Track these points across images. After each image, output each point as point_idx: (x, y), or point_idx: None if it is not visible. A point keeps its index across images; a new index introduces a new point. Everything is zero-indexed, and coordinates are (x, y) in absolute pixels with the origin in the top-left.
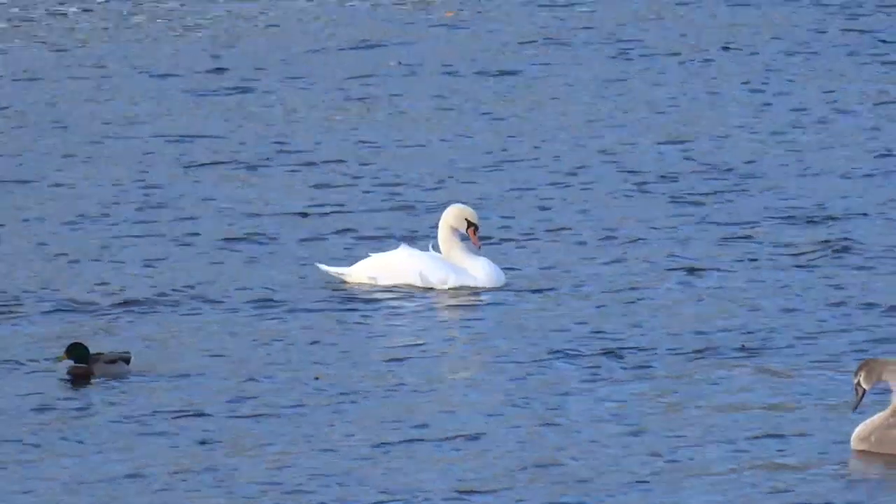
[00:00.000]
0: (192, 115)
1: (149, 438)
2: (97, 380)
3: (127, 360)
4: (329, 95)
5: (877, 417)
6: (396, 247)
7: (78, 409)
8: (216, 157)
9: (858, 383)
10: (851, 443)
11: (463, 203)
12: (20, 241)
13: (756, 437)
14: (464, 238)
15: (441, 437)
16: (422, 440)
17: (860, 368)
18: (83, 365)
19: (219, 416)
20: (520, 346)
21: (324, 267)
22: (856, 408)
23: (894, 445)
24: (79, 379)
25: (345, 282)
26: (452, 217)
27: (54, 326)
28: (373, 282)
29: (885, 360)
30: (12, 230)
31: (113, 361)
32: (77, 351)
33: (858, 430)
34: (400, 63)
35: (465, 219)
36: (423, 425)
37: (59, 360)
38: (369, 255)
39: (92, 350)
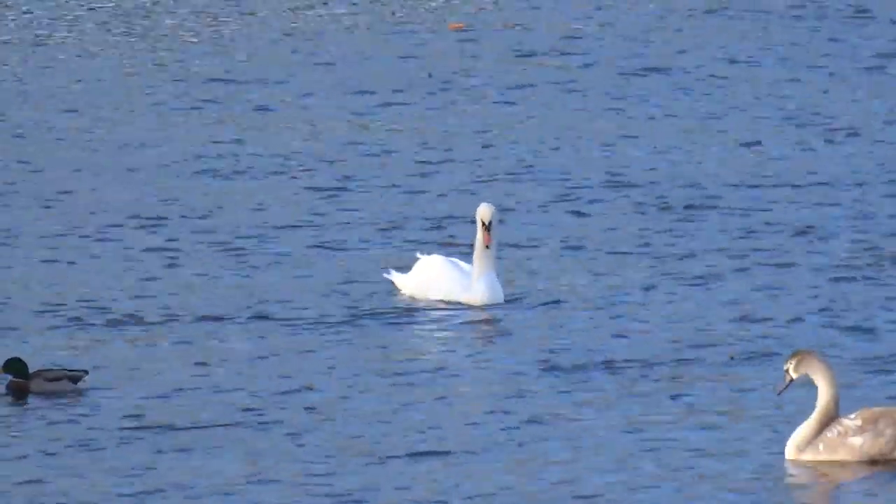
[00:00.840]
0: (215, 125)
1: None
2: (35, 396)
3: (75, 379)
4: (356, 105)
5: (808, 426)
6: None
7: None
8: (237, 166)
9: (787, 370)
10: (788, 453)
11: (489, 204)
12: (44, 254)
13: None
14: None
15: (443, 451)
16: (424, 454)
17: (792, 356)
18: (20, 380)
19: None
20: (519, 360)
21: (388, 275)
22: (780, 392)
23: (850, 451)
24: (16, 394)
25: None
26: (477, 215)
27: (77, 337)
28: (401, 292)
29: (815, 356)
30: (35, 244)
31: (56, 379)
32: (14, 366)
33: (795, 441)
34: (431, 75)
35: (480, 218)
36: (421, 440)
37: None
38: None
39: (67, 366)
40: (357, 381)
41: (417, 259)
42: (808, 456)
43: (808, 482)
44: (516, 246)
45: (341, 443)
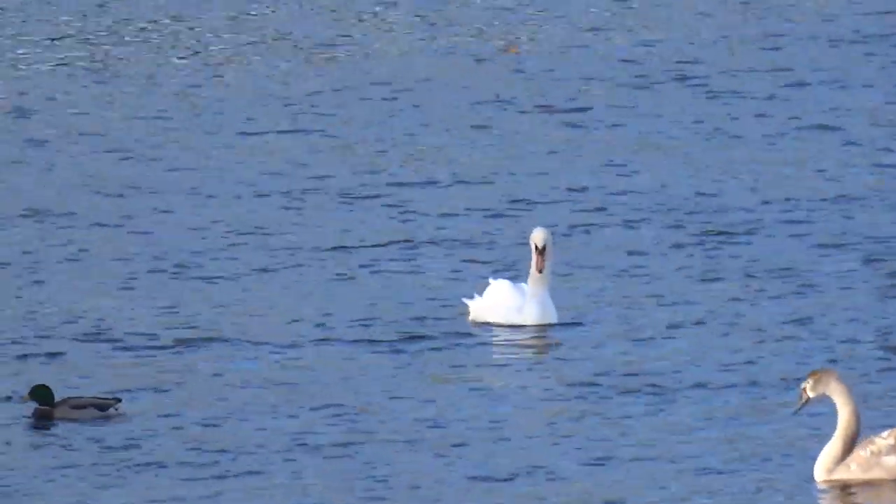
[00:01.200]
0: (283, 148)
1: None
2: (61, 423)
3: (103, 407)
4: (420, 128)
5: (833, 446)
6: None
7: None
8: (313, 186)
9: (805, 389)
10: (817, 475)
11: (543, 228)
12: (111, 276)
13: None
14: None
15: (501, 478)
16: (481, 478)
17: (810, 376)
18: (46, 407)
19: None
20: (570, 381)
21: (466, 300)
22: (797, 411)
23: (885, 470)
24: (40, 420)
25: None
26: (530, 239)
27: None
28: (470, 316)
29: (833, 376)
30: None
31: (82, 407)
32: (40, 393)
33: (824, 462)
34: (498, 96)
35: (533, 242)
36: (473, 463)
37: (23, 400)
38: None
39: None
40: (404, 403)
41: (488, 283)
42: (839, 476)
43: (842, 502)
44: (571, 266)
45: (392, 468)
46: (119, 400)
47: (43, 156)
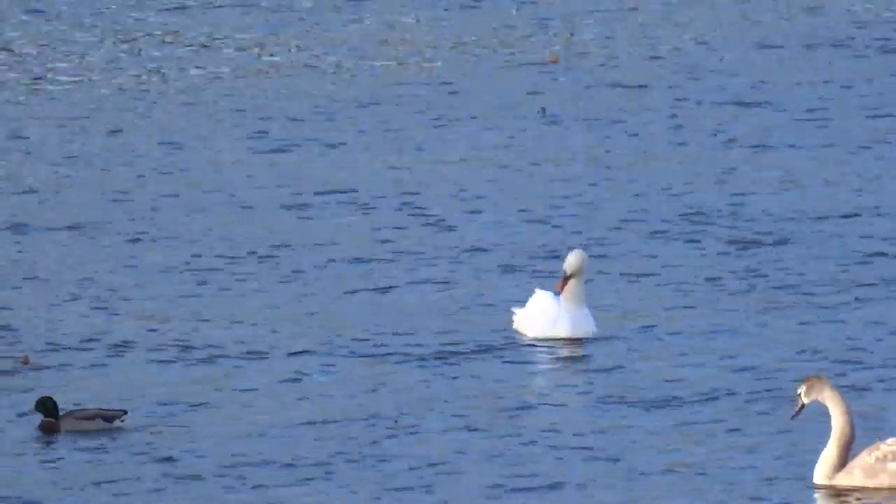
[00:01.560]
0: (316, 157)
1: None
2: (66, 435)
3: (109, 418)
4: (464, 136)
5: (830, 451)
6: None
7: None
8: (341, 198)
9: (799, 395)
10: (817, 478)
11: (579, 251)
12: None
13: None
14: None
15: (533, 487)
16: (518, 490)
17: (804, 381)
18: (51, 419)
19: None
20: (601, 393)
21: (512, 311)
22: (794, 417)
23: (891, 476)
24: (47, 433)
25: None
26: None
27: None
28: (513, 327)
29: (826, 383)
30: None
31: (88, 418)
32: (45, 405)
33: (823, 467)
34: (544, 109)
35: (564, 265)
36: (510, 475)
37: (29, 412)
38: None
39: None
40: (435, 416)
41: (534, 294)
42: (842, 481)
43: None
44: (599, 279)
45: (424, 480)
46: (125, 412)
47: (48, 169)
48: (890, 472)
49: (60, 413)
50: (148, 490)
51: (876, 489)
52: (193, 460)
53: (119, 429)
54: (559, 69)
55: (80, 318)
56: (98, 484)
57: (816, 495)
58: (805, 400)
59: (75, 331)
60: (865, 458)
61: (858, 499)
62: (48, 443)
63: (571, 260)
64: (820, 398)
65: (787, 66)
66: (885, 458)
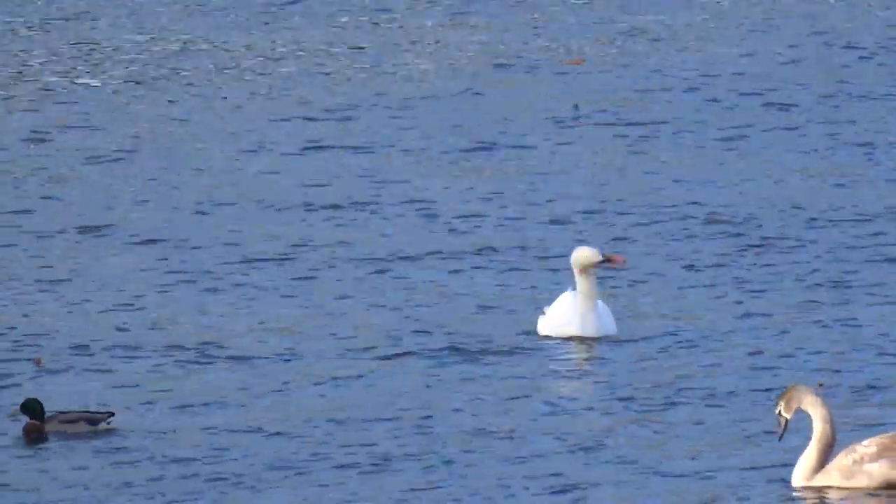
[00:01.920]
0: (349, 160)
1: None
2: (52, 437)
3: (94, 421)
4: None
5: (810, 453)
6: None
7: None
8: (371, 198)
9: (780, 413)
10: (794, 481)
11: (583, 247)
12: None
13: None
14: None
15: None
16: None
17: (780, 397)
18: (36, 422)
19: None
20: (610, 394)
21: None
22: (781, 437)
23: (867, 478)
24: (31, 435)
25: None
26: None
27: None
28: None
29: (802, 390)
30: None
31: (72, 421)
32: (31, 406)
33: (801, 469)
34: (577, 105)
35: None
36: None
37: (12, 414)
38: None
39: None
40: (455, 415)
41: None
42: (819, 482)
43: None
44: (619, 278)
45: (437, 480)
46: (112, 414)
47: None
48: (867, 473)
49: (46, 415)
50: (98, 494)
51: (853, 490)
52: (150, 463)
53: (104, 431)
54: (580, 70)
55: (89, 320)
56: (84, 487)
57: (795, 496)
58: (787, 415)
59: (84, 332)
60: (843, 461)
61: (836, 500)
62: (33, 446)
63: (574, 257)
64: (801, 406)
65: (813, 66)
66: (861, 461)
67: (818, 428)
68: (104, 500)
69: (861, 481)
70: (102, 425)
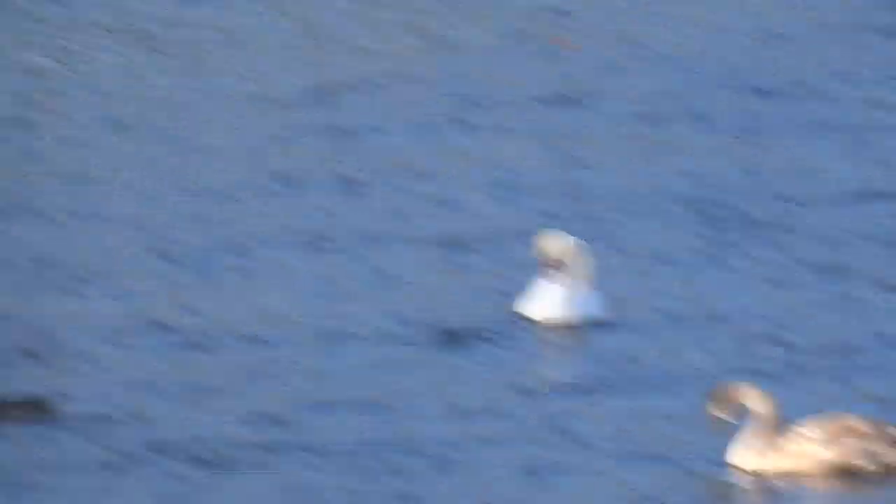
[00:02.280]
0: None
1: None
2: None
3: (42, 407)
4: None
5: (749, 432)
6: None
7: None
8: (346, 181)
9: (714, 413)
10: (732, 459)
11: (555, 234)
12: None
13: None
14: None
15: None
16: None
17: (709, 401)
18: None
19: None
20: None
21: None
22: (724, 433)
23: (808, 460)
24: None
25: None
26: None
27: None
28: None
29: (729, 385)
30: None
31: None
32: None
33: (739, 448)
34: (545, 91)
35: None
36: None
37: None
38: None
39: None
40: (434, 402)
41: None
42: (757, 464)
43: (760, 491)
44: (602, 264)
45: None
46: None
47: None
48: (806, 455)
49: None
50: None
51: (788, 472)
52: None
53: (51, 417)
54: (571, 54)
55: (87, 306)
56: (69, 470)
57: (729, 476)
58: (722, 415)
59: (77, 320)
60: (782, 442)
61: (770, 480)
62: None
63: (546, 242)
64: (738, 399)
65: (809, 52)
66: (801, 441)
67: (756, 409)
68: (93, 487)
69: (800, 463)
70: (49, 411)
